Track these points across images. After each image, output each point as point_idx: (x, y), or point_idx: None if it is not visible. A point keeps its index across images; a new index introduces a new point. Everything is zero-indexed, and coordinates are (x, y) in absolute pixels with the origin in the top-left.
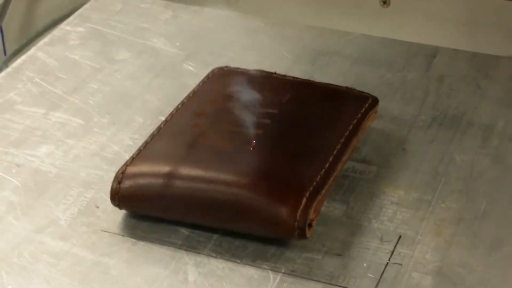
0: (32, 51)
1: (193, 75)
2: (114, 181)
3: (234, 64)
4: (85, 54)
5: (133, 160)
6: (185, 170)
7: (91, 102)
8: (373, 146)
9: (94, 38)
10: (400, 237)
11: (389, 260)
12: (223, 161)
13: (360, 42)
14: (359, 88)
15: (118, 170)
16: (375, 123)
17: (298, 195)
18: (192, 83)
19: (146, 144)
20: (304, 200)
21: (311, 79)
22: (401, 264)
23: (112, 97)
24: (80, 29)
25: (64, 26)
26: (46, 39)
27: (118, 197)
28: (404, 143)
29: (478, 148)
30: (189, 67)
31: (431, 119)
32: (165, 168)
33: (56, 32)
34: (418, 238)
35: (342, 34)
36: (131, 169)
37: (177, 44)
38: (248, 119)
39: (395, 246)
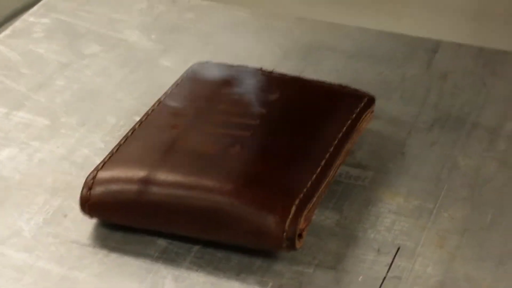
0: None
1: (170, 71)
2: (83, 187)
3: (216, 60)
4: (51, 48)
5: (104, 164)
6: (162, 175)
7: (58, 100)
8: (369, 149)
9: (61, 30)
10: (399, 248)
11: (386, 273)
12: (204, 165)
13: (355, 36)
14: (355, 86)
15: (88, 176)
16: (371, 124)
17: (287, 202)
18: (169, 80)
19: (119, 146)
20: (294, 208)
21: (302, 75)
22: (400, 278)
23: (81, 95)
24: (45, 20)
25: (28, 17)
26: (7, 31)
27: (89, 205)
28: (403, 147)
29: (484, 152)
30: (166, 63)
31: (433, 120)
32: (140, 173)
33: (18, 24)
34: (419, 249)
35: (336, 27)
36: (103, 174)
37: (153, 37)
38: (232, 119)
39: (394, 258)
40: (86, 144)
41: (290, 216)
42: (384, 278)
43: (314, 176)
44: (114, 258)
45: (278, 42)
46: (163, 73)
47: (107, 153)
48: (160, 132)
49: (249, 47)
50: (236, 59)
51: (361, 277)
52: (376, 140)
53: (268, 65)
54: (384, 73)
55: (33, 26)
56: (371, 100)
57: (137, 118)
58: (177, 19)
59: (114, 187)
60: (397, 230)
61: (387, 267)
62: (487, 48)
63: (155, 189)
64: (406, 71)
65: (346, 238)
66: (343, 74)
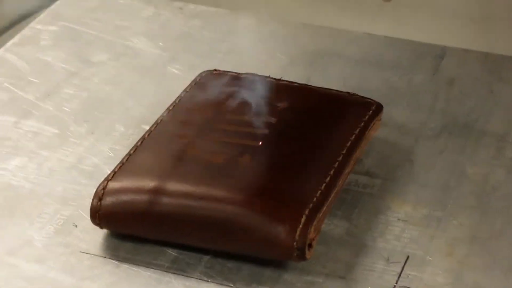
0: (0, 52)
1: (178, 79)
2: (94, 197)
3: (223, 67)
4: (58, 56)
5: (114, 174)
6: (172, 186)
7: (66, 109)
8: (378, 157)
9: (68, 38)
10: (408, 257)
11: (396, 283)
12: (214, 175)
13: (361, 42)
14: (361, 93)
15: (99, 186)
16: (379, 131)
17: (296, 212)
18: (177, 88)
19: (128, 156)
20: (304, 218)
21: (308, 83)
22: None
23: (89, 103)
24: (53, 27)
25: (35, 24)
26: (15, 39)
27: (99, 215)
28: (411, 154)
29: (492, 160)
30: (174, 70)
31: (440, 127)
32: (150, 183)
33: (26, 32)
34: (428, 258)
35: (341, 33)
36: (113, 185)
37: (160, 44)
38: (241, 129)
39: (403, 267)
40: (95, 153)
41: (300, 226)
42: (394, 287)
43: (323, 185)
44: (125, 269)
45: (284, 49)
46: (171, 81)
47: (116, 162)
48: (169, 141)
49: (256, 54)
50: (243, 66)
51: (369, 287)
52: (384, 148)
53: (274, 72)
54: (392, 80)
55: (41, 34)
56: (379, 108)
57: (146, 127)
58: (184, 26)
59: (125, 197)
60: (406, 238)
61: (397, 276)
62: (493, 54)
63: (165, 200)
64: (413, 78)
65: (355, 247)
66: (350, 81)
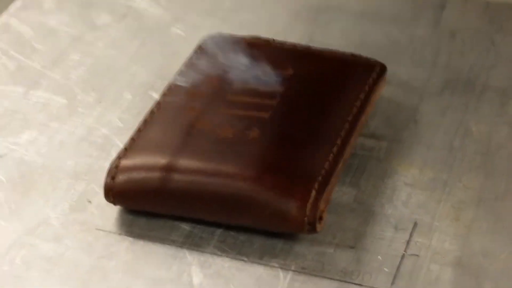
0: (3, 18)
1: (182, 40)
2: (107, 176)
3: (226, 26)
4: (62, 20)
5: (126, 151)
6: (183, 162)
7: (73, 77)
8: (382, 117)
9: (71, 0)
10: (415, 224)
11: (404, 251)
12: (224, 150)
13: None
14: (364, 49)
15: (111, 164)
16: (383, 90)
17: (306, 187)
18: (181, 50)
19: (139, 132)
20: (314, 192)
21: (311, 40)
22: (418, 256)
23: (96, 70)
24: None
25: None
26: (18, 3)
27: (113, 193)
28: (415, 114)
29: (495, 117)
30: (178, 31)
31: (443, 83)
32: (162, 160)
33: None
34: (435, 224)
35: None
36: (125, 162)
37: (162, 3)
38: (248, 99)
39: (411, 234)
40: (104, 123)
41: (311, 201)
42: (403, 255)
43: (331, 156)
44: (141, 246)
45: (285, 4)
46: (175, 43)
47: (125, 132)
48: (177, 115)
49: (257, 10)
50: (246, 24)
51: (379, 256)
52: (388, 108)
53: (277, 31)
54: (393, 34)
55: None
56: (383, 69)
57: (153, 93)
58: None
59: (137, 175)
60: (413, 203)
61: (405, 244)
62: (493, 3)
63: (177, 177)
64: (415, 31)
65: (364, 215)
66: (352, 37)
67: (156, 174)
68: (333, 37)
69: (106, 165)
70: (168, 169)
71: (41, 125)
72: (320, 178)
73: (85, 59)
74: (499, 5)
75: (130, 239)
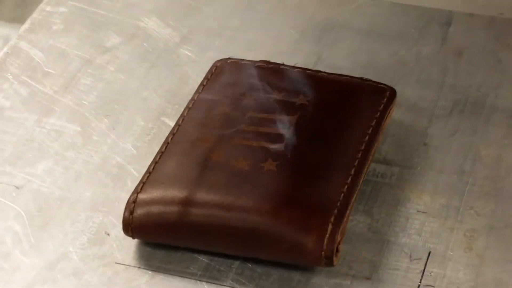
0: (14, 41)
1: (191, 62)
2: (125, 210)
3: (234, 46)
4: (71, 42)
5: (143, 185)
6: (200, 196)
7: (85, 102)
8: (393, 141)
9: (79, 20)
10: (429, 253)
11: (420, 282)
12: (240, 183)
13: (367, 11)
14: (371, 69)
15: (129, 198)
16: (393, 112)
17: (322, 221)
18: (191, 72)
19: (154, 164)
20: (330, 226)
21: (319, 59)
22: (434, 287)
23: (107, 95)
24: (63, 9)
25: (44, 6)
26: (26, 24)
27: (131, 228)
28: (425, 137)
29: (504, 139)
30: (186, 52)
31: (452, 105)
32: (179, 194)
33: (36, 15)
34: (449, 253)
35: (346, 1)
36: (143, 197)
37: (170, 23)
38: (261, 129)
39: (425, 264)
40: (118, 152)
41: (327, 235)
42: (418, 286)
43: (346, 187)
44: (160, 279)
45: (292, 22)
46: (185, 65)
47: (139, 160)
48: (192, 146)
49: (265, 30)
50: (254, 44)
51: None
52: (398, 131)
53: (285, 49)
54: (400, 53)
55: (51, 17)
56: (392, 94)
57: (165, 119)
58: (192, 1)
59: (155, 209)
60: (427, 232)
61: (420, 274)
62: (498, 18)
63: (194, 211)
64: (421, 49)
65: (378, 244)
66: (360, 56)
67: (174, 208)
68: (340, 56)
69: (122, 195)
70: (185, 203)
71: (57, 155)
72: (335, 211)
73: (96, 83)
74: (504, 20)
75: (150, 272)
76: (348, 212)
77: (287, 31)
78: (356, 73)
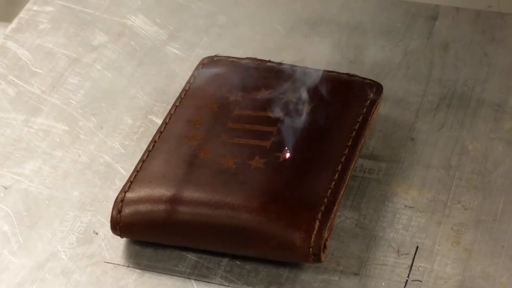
0: (0, 41)
1: (179, 59)
2: (113, 209)
3: (222, 42)
4: (58, 42)
5: (131, 184)
6: (188, 194)
7: (73, 102)
8: (380, 136)
9: (66, 19)
10: (417, 248)
11: (408, 277)
12: (227, 181)
13: (353, 6)
14: (359, 65)
15: (117, 197)
16: (380, 107)
17: (310, 217)
18: (178, 69)
19: (142, 163)
20: (317, 223)
21: (306, 55)
22: (421, 281)
23: (95, 93)
24: (50, 8)
25: (31, 5)
26: (13, 24)
27: (120, 227)
28: (412, 132)
29: (491, 132)
30: (174, 50)
31: (438, 99)
32: (166, 193)
33: (23, 15)
34: (436, 248)
35: None
36: (130, 195)
37: (157, 20)
38: (248, 127)
39: (413, 259)
40: (106, 150)
41: (315, 232)
42: (406, 281)
43: (333, 183)
44: (148, 278)
45: (280, 18)
46: (172, 63)
47: (127, 159)
48: (179, 144)
49: (252, 26)
50: (241, 41)
51: (383, 283)
52: (385, 126)
53: (272, 46)
54: (387, 47)
55: (38, 16)
56: (379, 89)
57: (152, 117)
58: None
59: (143, 208)
60: (414, 227)
61: (408, 269)
62: (484, 12)
63: (182, 209)
64: (408, 43)
65: (366, 240)
66: (347, 52)
67: (161, 207)
68: (328, 52)
69: (110, 194)
70: (173, 201)
71: (45, 154)
72: (323, 207)
73: (83, 82)
74: (491, 14)
75: (138, 271)
76: (335, 208)
77: (275, 28)
78: (344, 69)
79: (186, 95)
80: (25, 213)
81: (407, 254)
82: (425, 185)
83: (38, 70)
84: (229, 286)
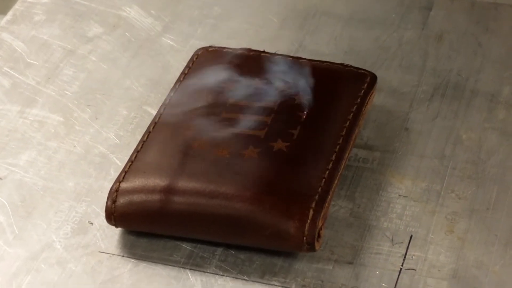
0: None
1: (173, 51)
2: (108, 199)
3: (217, 34)
4: (54, 33)
5: (125, 174)
6: (182, 184)
7: (68, 93)
8: (374, 126)
9: (61, 10)
10: (411, 237)
11: (402, 265)
12: (221, 171)
13: None
14: (354, 55)
15: (112, 187)
16: (374, 97)
17: (304, 206)
18: (174, 61)
19: (136, 153)
20: (311, 211)
21: (301, 46)
22: (415, 270)
23: (90, 85)
24: (45, 0)
25: None
26: (8, 15)
27: (114, 217)
28: (406, 122)
29: (485, 122)
30: (169, 41)
31: (433, 89)
32: (161, 183)
33: (18, 6)
34: (430, 237)
35: None
36: (125, 186)
37: (152, 12)
38: (242, 117)
39: (407, 248)
40: (101, 141)
41: (309, 221)
42: (400, 270)
43: (327, 172)
44: (144, 267)
45: (275, 9)
46: (167, 54)
47: (122, 150)
48: (174, 134)
49: (247, 17)
50: (235, 33)
51: (377, 271)
52: (380, 116)
53: (267, 37)
54: (382, 38)
55: (33, 8)
56: (373, 79)
57: (147, 108)
58: None
59: (137, 198)
60: (408, 216)
61: (402, 258)
62: (478, 2)
63: (176, 199)
64: (403, 34)
65: (360, 229)
66: (342, 43)
67: (156, 197)
68: (322, 42)
69: (105, 184)
70: (167, 191)
71: (40, 145)
72: (317, 196)
73: (78, 74)
74: (485, 4)
75: (133, 261)
76: (329, 197)
77: (269, 19)
78: (338, 59)
79: (180, 85)
80: (20, 204)
81: (401, 243)
82: (419, 175)
83: (33, 62)
84: (224, 275)
